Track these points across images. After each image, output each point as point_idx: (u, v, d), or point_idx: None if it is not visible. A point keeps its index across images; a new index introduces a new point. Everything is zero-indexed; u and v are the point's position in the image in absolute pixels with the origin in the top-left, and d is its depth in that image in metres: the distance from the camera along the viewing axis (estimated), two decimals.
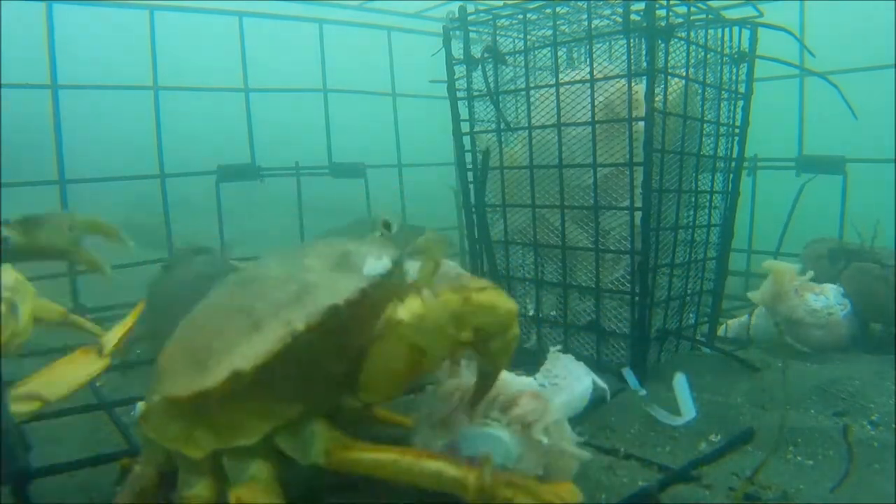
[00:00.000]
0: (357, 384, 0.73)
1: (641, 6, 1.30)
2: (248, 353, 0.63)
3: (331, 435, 0.71)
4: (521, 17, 1.46)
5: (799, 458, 1.05)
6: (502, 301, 0.71)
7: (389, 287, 0.76)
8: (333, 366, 0.74)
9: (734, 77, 1.55)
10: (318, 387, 0.74)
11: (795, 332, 1.63)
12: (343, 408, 0.80)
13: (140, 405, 0.73)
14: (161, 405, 0.68)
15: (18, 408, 0.86)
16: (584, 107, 1.38)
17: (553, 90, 1.42)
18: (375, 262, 0.74)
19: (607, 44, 1.58)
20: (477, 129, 1.60)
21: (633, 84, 1.33)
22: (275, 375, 0.68)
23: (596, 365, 1.39)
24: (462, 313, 0.68)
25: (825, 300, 1.65)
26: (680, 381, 1.26)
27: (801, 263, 1.85)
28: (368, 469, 0.69)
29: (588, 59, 1.39)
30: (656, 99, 1.31)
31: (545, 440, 0.79)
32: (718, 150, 1.55)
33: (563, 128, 1.41)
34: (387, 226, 0.95)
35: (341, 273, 0.72)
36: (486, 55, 1.51)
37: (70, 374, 0.97)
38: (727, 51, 1.52)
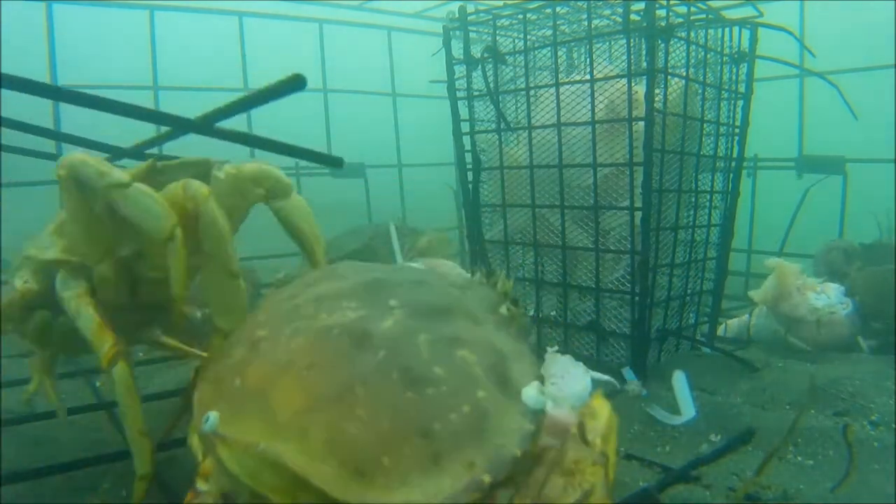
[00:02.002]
0: None
1: (641, 6, 1.30)
2: (430, 490, 0.58)
3: None
4: (521, 17, 1.46)
5: (799, 458, 1.05)
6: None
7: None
8: None
9: (734, 77, 1.55)
10: None
11: (797, 331, 1.64)
12: None
13: (213, 417, 0.66)
14: (267, 457, 0.61)
15: None
16: (584, 107, 1.38)
17: (553, 90, 1.42)
18: (538, 396, 0.65)
19: (607, 44, 1.58)
20: (477, 129, 1.60)
21: (633, 84, 1.33)
22: None
23: (597, 365, 1.39)
24: None
25: (826, 299, 1.65)
26: (679, 380, 1.26)
27: (814, 264, 1.85)
28: None
29: (588, 60, 1.39)
30: (656, 99, 1.31)
31: None
32: (718, 150, 1.55)
33: (563, 128, 1.41)
34: (514, 303, 0.79)
35: (503, 395, 0.65)
36: (486, 55, 1.51)
37: None
38: (727, 51, 1.52)
